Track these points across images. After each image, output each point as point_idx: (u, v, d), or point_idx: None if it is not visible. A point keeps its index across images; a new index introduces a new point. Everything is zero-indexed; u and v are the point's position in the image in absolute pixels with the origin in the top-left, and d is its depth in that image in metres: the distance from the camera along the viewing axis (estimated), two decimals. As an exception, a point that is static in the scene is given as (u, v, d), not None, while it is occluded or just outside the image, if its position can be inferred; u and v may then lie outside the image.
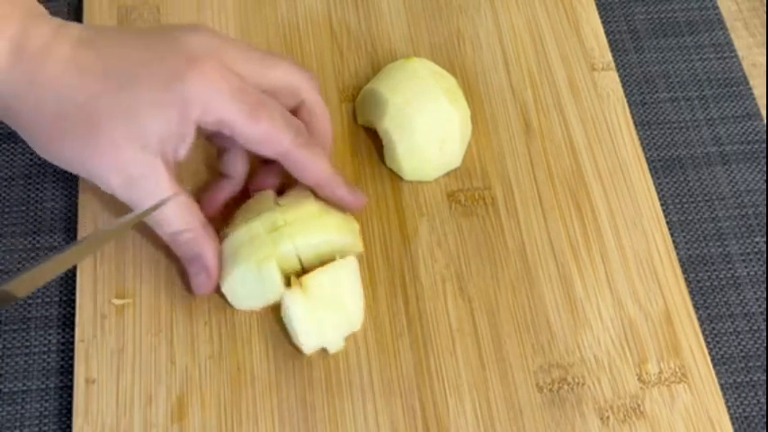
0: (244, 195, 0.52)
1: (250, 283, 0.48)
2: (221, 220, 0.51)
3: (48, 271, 0.39)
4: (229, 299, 0.49)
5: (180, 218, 0.46)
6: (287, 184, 0.51)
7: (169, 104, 0.44)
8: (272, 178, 0.52)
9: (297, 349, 0.49)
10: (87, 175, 0.46)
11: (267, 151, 0.47)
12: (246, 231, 0.48)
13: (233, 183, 0.52)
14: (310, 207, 0.49)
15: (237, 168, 0.51)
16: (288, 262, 0.48)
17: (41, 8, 0.48)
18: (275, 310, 0.50)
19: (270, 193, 0.51)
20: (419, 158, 0.53)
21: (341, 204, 0.50)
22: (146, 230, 0.52)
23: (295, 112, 0.49)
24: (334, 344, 0.49)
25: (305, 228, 0.48)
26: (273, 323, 0.50)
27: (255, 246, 0.48)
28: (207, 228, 0.48)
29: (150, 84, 0.44)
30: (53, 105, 0.44)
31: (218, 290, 0.49)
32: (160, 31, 0.47)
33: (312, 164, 0.48)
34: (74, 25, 0.47)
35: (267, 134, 0.46)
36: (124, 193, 0.45)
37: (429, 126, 0.53)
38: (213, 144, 0.51)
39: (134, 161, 0.44)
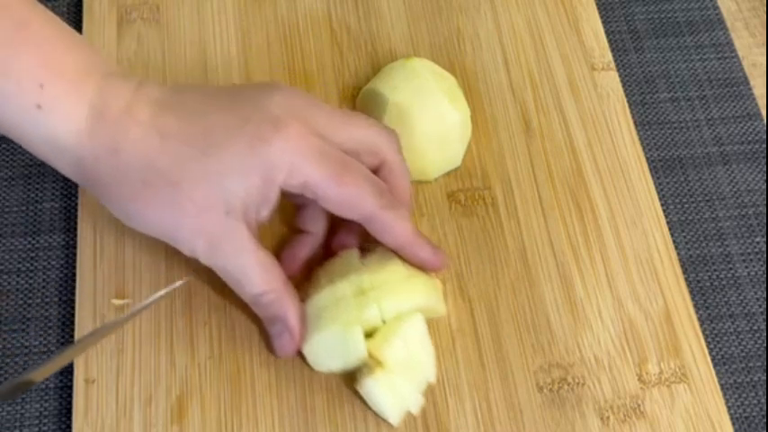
0: (324, 252, 0.51)
1: (333, 346, 0.47)
2: (302, 278, 0.50)
3: (67, 357, 0.41)
4: (309, 360, 0.48)
5: (262, 279, 0.45)
6: (368, 241, 0.50)
7: (254, 169, 0.43)
8: (354, 237, 0.50)
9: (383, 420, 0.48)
10: (172, 240, 0.45)
11: (351, 214, 0.46)
12: (331, 293, 0.47)
13: (313, 239, 0.50)
14: (397, 270, 0.48)
15: (317, 224, 0.50)
16: (371, 323, 0.47)
17: (117, 67, 0.47)
18: (275, 311, 0.50)
19: (355, 253, 0.50)
20: (419, 158, 0.53)
21: (423, 266, 0.49)
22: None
23: (375, 171, 0.48)
24: (416, 404, 0.48)
25: (392, 292, 0.47)
26: (273, 323, 0.50)
27: (341, 309, 0.47)
28: (288, 287, 0.47)
29: (235, 148, 0.43)
30: (135, 173, 0.44)
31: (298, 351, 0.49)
32: (240, 91, 0.47)
33: (396, 226, 0.47)
34: (151, 85, 0.46)
35: (352, 197, 0.45)
36: (208, 257, 0.45)
37: (429, 126, 0.53)
38: (291, 200, 0.50)
39: (219, 225, 0.44)
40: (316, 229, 0.50)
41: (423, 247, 0.48)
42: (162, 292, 0.47)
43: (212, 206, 0.43)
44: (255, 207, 0.44)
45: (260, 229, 0.46)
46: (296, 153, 0.44)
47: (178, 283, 0.49)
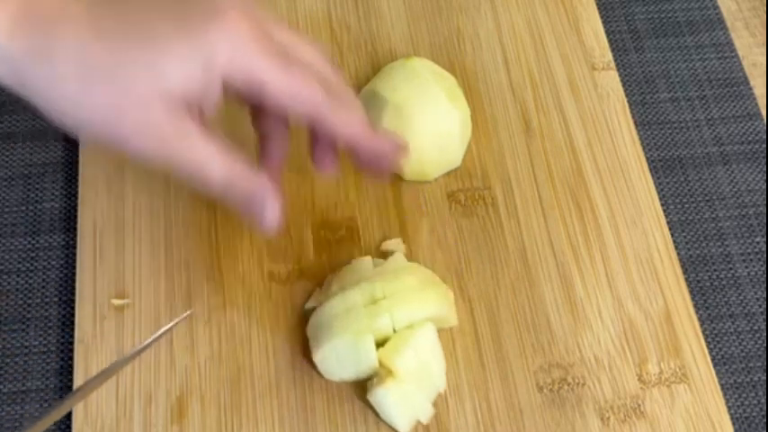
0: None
1: (344, 355, 0.47)
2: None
3: (51, 419, 0.40)
4: (320, 368, 0.48)
5: (225, 164, 0.43)
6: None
7: (194, 59, 0.42)
8: (330, 153, 0.48)
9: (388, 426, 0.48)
10: (118, 143, 0.43)
11: (300, 108, 0.44)
12: (343, 301, 0.47)
13: (280, 140, 0.48)
14: (409, 279, 0.48)
15: (278, 125, 0.48)
16: (382, 332, 0.47)
17: None
18: (275, 311, 0.50)
19: (368, 261, 0.50)
20: (419, 159, 0.53)
21: (382, 162, 0.46)
22: (145, 230, 0.52)
23: None
24: (426, 413, 0.48)
25: (404, 301, 0.47)
26: (273, 323, 0.50)
27: (352, 318, 0.47)
28: (253, 167, 0.44)
29: (173, 40, 0.42)
30: (72, 73, 0.42)
31: (308, 357, 0.48)
32: None
33: (349, 116, 0.45)
34: None
35: (301, 89, 0.43)
36: (161, 157, 0.43)
37: (429, 126, 0.53)
38: (238, 102, 0.47)
39: (164, 121, 0.42)
40: (278, 128, 0.48)
41: (380, 139, 0.46)
42: (164, 329, 0.46)
43: (154, 101, 0.42)
44: (198, 101, 0.43)
45: (207, 126, 0.44)
46: (236, 40, 0.42)
47: (182, 317, 0.49)
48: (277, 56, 0.43)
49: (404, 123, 0.52)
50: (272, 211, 0.44)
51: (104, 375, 0.43)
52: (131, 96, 0.42)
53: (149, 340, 0.45)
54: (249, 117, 0.48)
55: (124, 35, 0.42)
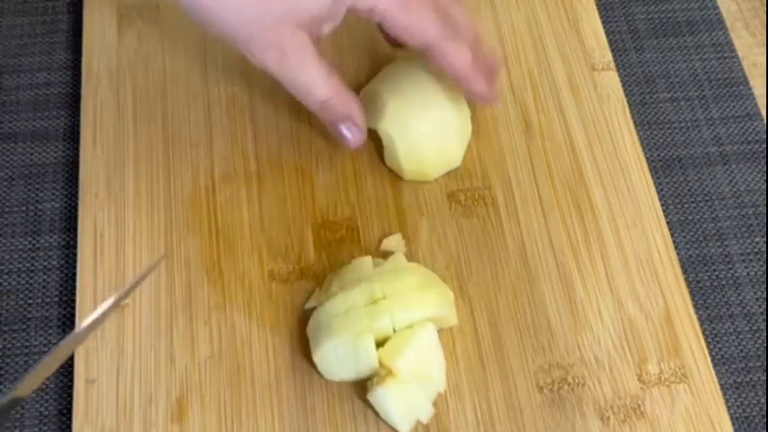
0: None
1: (344, 355, 0.47)
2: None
3: (49, 365, 0.40)
4: (320, 368, 0.48)
5: (327, 84, 0.49)
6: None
7: None
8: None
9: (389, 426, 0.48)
10: (244, 49, 0.48)
11: (414, 40, 0.49)
12: (343, 301, 0.47)
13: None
14: (409, 279, 0.48)
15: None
16: (382, 332, 0.47)
17: None
18: (275, 311, 0.50)
19: (368, 261, 0.50)
20: (419, 159, 0.53)
21: (477, 99, 0.53)
22: (146, 230, 0.52)
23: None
24: (426, 413, 0.48)
25: (404, 301, 0.47)
26: (273, 322, 0.50)
27: (351, 317, 0.47)
28: (350, 90, 0.51)
29: None
30: None
31: (308, 357, 0.48)
32: None
33: (454, 57, 0.49)
34: None
35: (415, 24, 0.48)
36: (277, 68, 0.48)
37: (429, 127, 0.53)
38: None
39: (288, 38, 0.47)
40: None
41: (478, 81, 0.51)
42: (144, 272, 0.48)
43: (286, 19, 0.47)
44: (321, 22, 0.48)
45: (319, 42, 0.49)
46: None
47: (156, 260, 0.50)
48: None
49: (404, 124, 0.52)
50: (358, 133, 0.51)
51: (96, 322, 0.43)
52: (268, 16, 0.47)
53: (129, 285, 0.45)
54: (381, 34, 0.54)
55: None
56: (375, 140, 0.55)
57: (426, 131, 0.53)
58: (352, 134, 0.51)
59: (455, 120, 0.53)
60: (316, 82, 0.49)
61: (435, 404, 0.48)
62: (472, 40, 0.51)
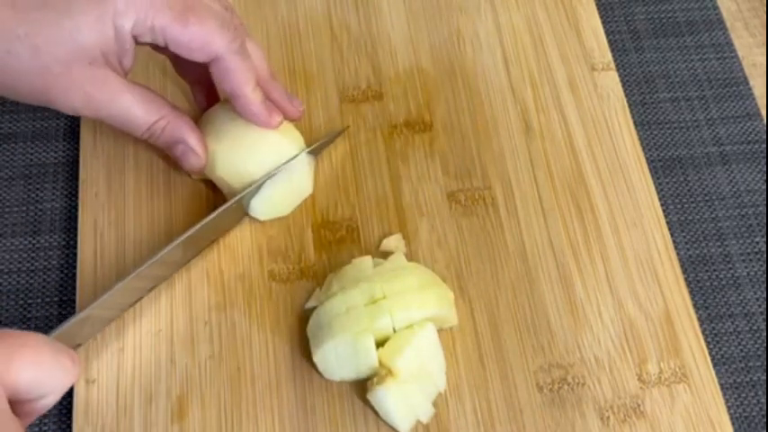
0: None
1: (344, 354, 0.47)
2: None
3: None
4: (320, 368, 0.48)
5: (147, 110, 0.48)
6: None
7: (105, 21, 0.45)
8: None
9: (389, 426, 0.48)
10: (48, 103, 0.47)
11: (201, 56, 0.47)
12: (343, 301, 0.47)
13: (204, 84, 0.54)
14: (410, 279, 0.48)
15: (195, 69, 0.52)
16: (382, 332, 0.47)
17: None
18: (275, 311, 0.50)
19: (368, 261, 0.50)
20: (270, 196, 0.51)
21: (252, 120, 0.50)
22: (146, 230, 0.52)
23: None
24: (426, 413, 0.48)
25: (404, 302, 0.47)
26: (273, 322, 0.50)
27: (352, 317, 0.47)
28: (177, 111, 0.49)
29: (84, 7, 0.45)
30: None
31: (308, 357, 0.48)
32: None
33: (239, 71, 0.48)
34: None
35: (198, 36, 0.46)
36: (89, 110, 0.47)
37: (267, 162, 0.51)
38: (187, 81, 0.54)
39: (87, 77, 0.46)
40: (200, 75, 0.53)
41: (277, 89, 0.51)
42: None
43: (75, 60, 0.45)
44: (116, 57, 0.46)
45: (128, 78, 0.48)
46: (140, 2, 0.45)
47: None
48: (177, 7, 0.46)
49: (241, 167, 0.51)
50: (193, 154, 0.50)
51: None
52: (55, 63, 0.45)
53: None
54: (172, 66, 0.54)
55: (38, 6, 0.45)
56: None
57: (266, 167, 0.51)
58: (188, 158, 0.50)
59: (288, 148, 0.51)
60: (133, 112, 0.47)
61: (435, 404, 0.48)
62: (262, 68, 0.51)
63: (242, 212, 0.52)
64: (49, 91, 0.46)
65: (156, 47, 0.49)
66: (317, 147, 0.54)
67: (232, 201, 0.50)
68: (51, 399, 0.37)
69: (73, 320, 0.44)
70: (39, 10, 0.45)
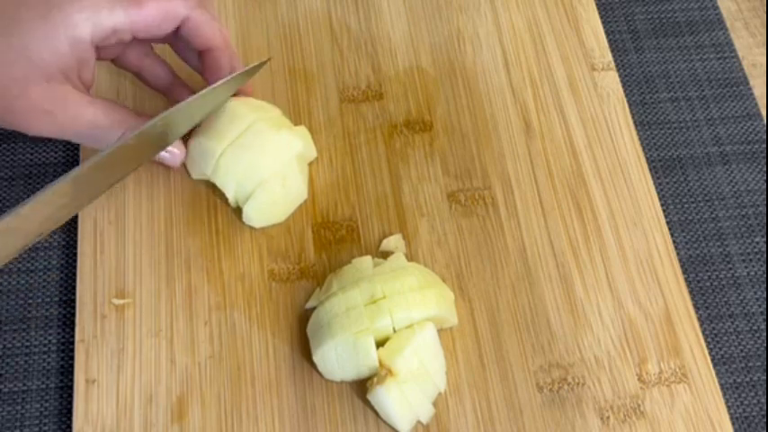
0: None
1: (344, 355, 0.47)
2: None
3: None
4: (320, 368, 0.48)
5: (114, 121, 0.46)
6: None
7: (57, 36, 0.44)
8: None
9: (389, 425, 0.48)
10: (11, 125, 0.46)
11: (169, 25, 0.47)
12: (343, 301, 0.47)
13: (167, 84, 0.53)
14: (409, 279, 0.48)
15: (161, 73, 0.52)
16: (382, 332, 0.47)
17: None
18: (275, 311, 0.50)
19: (368, 261, 0.50)
20: (261, 205, 0.51)
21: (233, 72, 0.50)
22: (146, 230, 0.52)
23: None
24: (427, 413, 0.48)
25: (405, 302, 0.47)
26: (273, 322, 0.50)
27: (352, 318, 0.47)
28: (144, 117, 0.48)
29: (38, 23, 0.44)
30: None
31: (308, 357, 0.48)
32: None
33: (213, 18, 0.48)
34: None
35: (156, 9, 0.46)
36: (55, 131, 0.45)
37: (269, 166, 0.50)
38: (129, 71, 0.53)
39: (46, 96, 0.44)
40: (163, 76, 0.53)
41: (230, 54, 0.50)
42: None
43: (31, 79, 0.44)
44: (75, 72, 0.45)
45: (90, 92, 0.47)
46: (91, 7, 0.44)
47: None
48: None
49: (241, 168, 0.50)
50: (169, 156, 0.49)
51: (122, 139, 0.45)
52: (12, 84, 0.44)
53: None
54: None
55: None
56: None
57: (267, 170, 0.50)
58: (162, 158, 0.49)
59: (289, 151, 0.51)
60: (99, 125, 0.46)
61: (435, 404, 0.48)
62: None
63: (165, 142, 0.50)
64: (12, 114, 0.44)
65: (124, 63, 0.48)
66: (237, 76, 0.51)
67: (156, 119, 0.47)
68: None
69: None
70: None
